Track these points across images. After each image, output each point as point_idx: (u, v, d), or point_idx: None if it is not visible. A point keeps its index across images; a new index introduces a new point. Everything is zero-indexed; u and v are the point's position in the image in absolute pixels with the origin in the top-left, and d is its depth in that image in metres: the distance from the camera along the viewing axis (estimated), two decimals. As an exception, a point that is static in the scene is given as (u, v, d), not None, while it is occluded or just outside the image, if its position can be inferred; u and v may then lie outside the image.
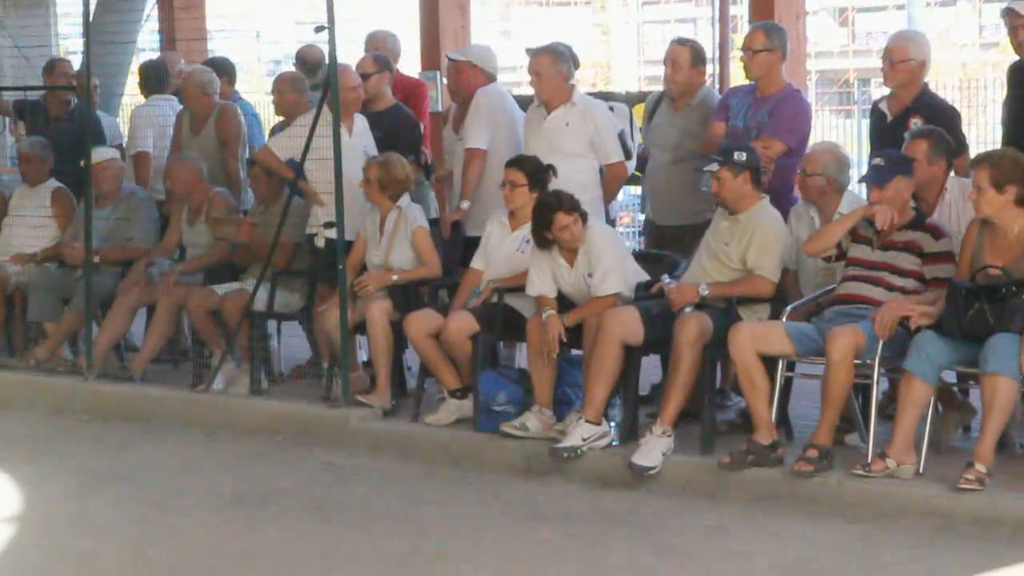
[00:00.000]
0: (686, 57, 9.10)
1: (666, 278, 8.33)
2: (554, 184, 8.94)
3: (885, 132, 8.51)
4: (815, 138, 9.17)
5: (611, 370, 8.08)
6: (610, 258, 8.43)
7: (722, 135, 8.73)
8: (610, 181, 9.41)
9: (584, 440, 8.08)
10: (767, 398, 7.72)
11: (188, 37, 12.88)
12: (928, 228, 7.73)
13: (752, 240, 8.14)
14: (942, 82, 18.21)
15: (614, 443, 8.21)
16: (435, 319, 8.85)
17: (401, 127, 9.98)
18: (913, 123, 8.30)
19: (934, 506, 7.14)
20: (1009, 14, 8.12)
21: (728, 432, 8.28)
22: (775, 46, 8.73)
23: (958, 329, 7.37)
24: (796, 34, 10.78)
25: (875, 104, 8.82)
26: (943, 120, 8.22)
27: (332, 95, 9.19)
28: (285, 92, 10.06)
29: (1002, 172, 7.35)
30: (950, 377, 7.79)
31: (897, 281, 7.72)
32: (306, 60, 11.18)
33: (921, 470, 7.41)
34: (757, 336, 7.74)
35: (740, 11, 12.17)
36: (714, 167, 8.15)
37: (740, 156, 8.11)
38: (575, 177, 9.14)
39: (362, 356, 9.75)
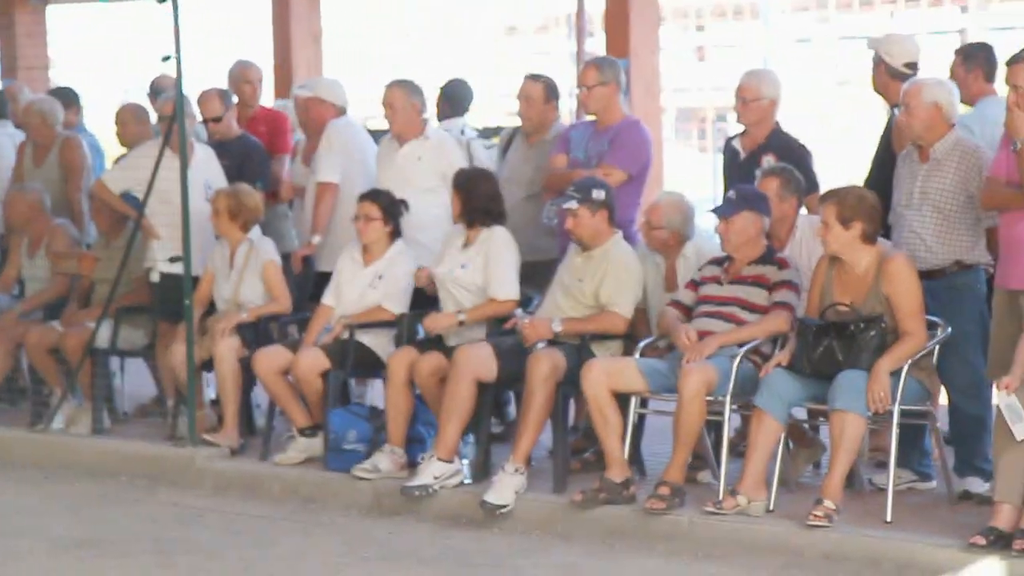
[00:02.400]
0: (539, 92, 9.11)
1: (519, 312, 8.27)
2: (407, 219, 8.87)
3: (738, 169, 8.56)
4: (671, 174, 9.21)
5: (464, 407, 8.00)
6: (507, 264, 8.39)
7: (563, 167, 8.74)
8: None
9: (436, 478, 7.97)
10: (619, 435, 7.69)
11: (30, 65, 12.61)
12: (776, 261, 7.78)
13: (606, 276, 8.12)
14: (797, 116, 18.51)
15: (466, 481, 8.11)
16: (284, 356, 8.71)
17: (248, 157, 9.84)
18: (765, 161, 8.36)
19: (784, 542, 7.15)
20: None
21: (582, 470, 8.23)
22: (608, 79, 8.76)
23: (807, 366, 7.40)
24: (651, 69, 10.87)
25: (728, 141, 8.87)
26: (794, 158, 8.29)
27: (179, 124, 9.02)
28: (128, 123, 9.89)
29: (848, 208, 7.40)
30: (801, 414, 7.82)
31: (747, 316, 7.74)
32: (158, 89, 10.99)
33: (772, 507, 7.41)
34: (610, 372, 7.72)
35: (599, 44, 12.20)
36: (573, 204, 8.11)
37: (599, 194, 8.10)
38: (429, 211, 9.10)
39: (209, 393, 9.58)
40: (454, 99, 10.23)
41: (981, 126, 8.00)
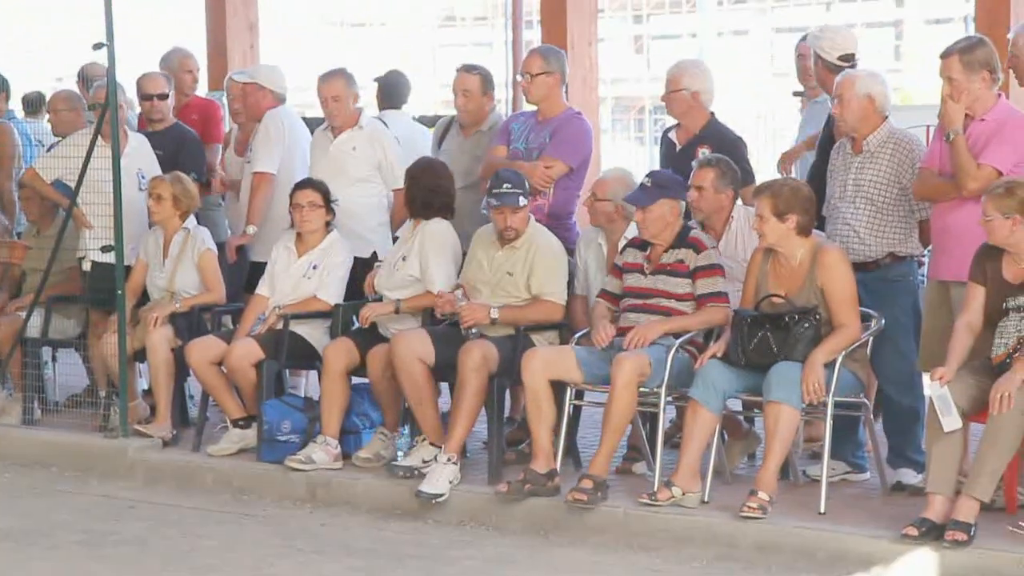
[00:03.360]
0: (477, 84, 9.08)
1: (459, 294, 8.22)
2: (342, 208, 8.82)
3: (674, 160, 8.56)
4: (609, 164, 9.19)
5: (428, 393, 8.01)
6: (442, 257, 8.37)
7: (503, 158, 8.70)
8: (398, 206, 9.30)
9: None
10: (551, 427, 7.68)
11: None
12: (690, 243, 7.75)
13: (535, 265, 8.09)
14: (735, 109, 18.54)
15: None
16: (218, 346, 8.65)
17: (182, 146, 9.74)
18: (700, 152, 8.36)
19: (718, 533, 7.15)
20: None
21: (518, 461, 8.21)
22: (553, 69, 8.73)
23: (742, 357, 7.41)
24: (589, 60, 10.87)
25: (665, 133, 8.88)
26: (729, 149, 8.29)
27: (111, 114, 8.92)
28: (60, 111, 9.77)
29: (783, 201, 7.41)
30: (737, 405, 7.82)
31: (674, 305, 7.74)
32: (88, 77, 10.86)
33: (706, 498, 7.41)
34: (549, 362, 7.70)
35: (535, 35, 12.17)
36: (523, 201, 8.08)
37: (502, 189, 8.06)
38: (362, 201, 9.08)
39: (142, 384, 9.50)
40: (391, 90, 10.18)
41: None
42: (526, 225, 8.13)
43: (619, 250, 8.03)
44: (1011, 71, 7.88)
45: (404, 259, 8.50)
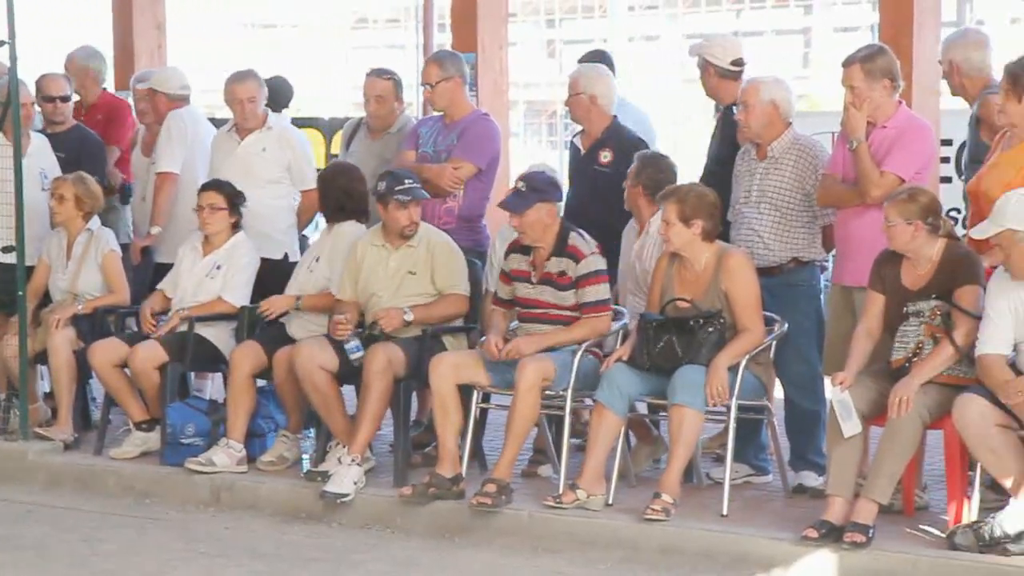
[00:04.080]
0: (390, 90, 9.08)
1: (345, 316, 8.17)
2: (251, 210, 8.77)
3: (579, 164, 8.63)
4: (520, 168, 9.16)
5: (334, 399, 8.00)
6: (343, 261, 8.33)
7: (411, 162, 8.69)
8: (307, 208, 9.30)
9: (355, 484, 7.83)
10: (458, 431, 7.68)
11: None
12: (568, 253, 7.74)
13: (436, 260, 8.09)
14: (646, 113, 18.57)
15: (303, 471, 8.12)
16: (121, 348, 8.58)
17: (84, 149, 9.65)
18: (602, 156, 8.40)
19: (621, 536, 7.18)
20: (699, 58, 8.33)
21: (424, 464, 8.20)
22: (452, 74, 8.73)
23: (648, 361, 7.45)
24: (500, 64, 10.86)
25: (572, 138, 8.91)
26: (629, 152, 8.33)
27: (13, 112, 8.82)
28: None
29: (689, 207, 7.45)
30: (643, 408, 7.86)
31: (565, 313, 7.75)
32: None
33: (611, 501, 7.44)
34: (457, 366, 7.71)
35: (447, 39, 12.16)
36: (423, 195, 8.11)
37: (407, 185, 8.07)
38: (272, 203, 9.04)
39: (43, 387, 9.39)
40: (273, 95, 10.13)
41: None
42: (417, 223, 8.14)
43: (503, 256, 8.01)
44: (911, 82, 8.01)
45: (317, 260, 8.47)
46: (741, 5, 22.76)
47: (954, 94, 8.07)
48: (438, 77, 8.71)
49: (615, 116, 8.54)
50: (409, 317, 8.00)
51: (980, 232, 6.70)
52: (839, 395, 6.84)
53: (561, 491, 7.43)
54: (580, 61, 9.48)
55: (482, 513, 7.46)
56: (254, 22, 22.52)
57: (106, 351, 8.56)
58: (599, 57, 9.58)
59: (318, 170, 9.29)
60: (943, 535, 6.72)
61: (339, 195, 8.39)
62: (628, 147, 8.38)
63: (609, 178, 8.35)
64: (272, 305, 8.40)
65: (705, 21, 22.17)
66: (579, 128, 8.85)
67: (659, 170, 7.96)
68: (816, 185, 7.62)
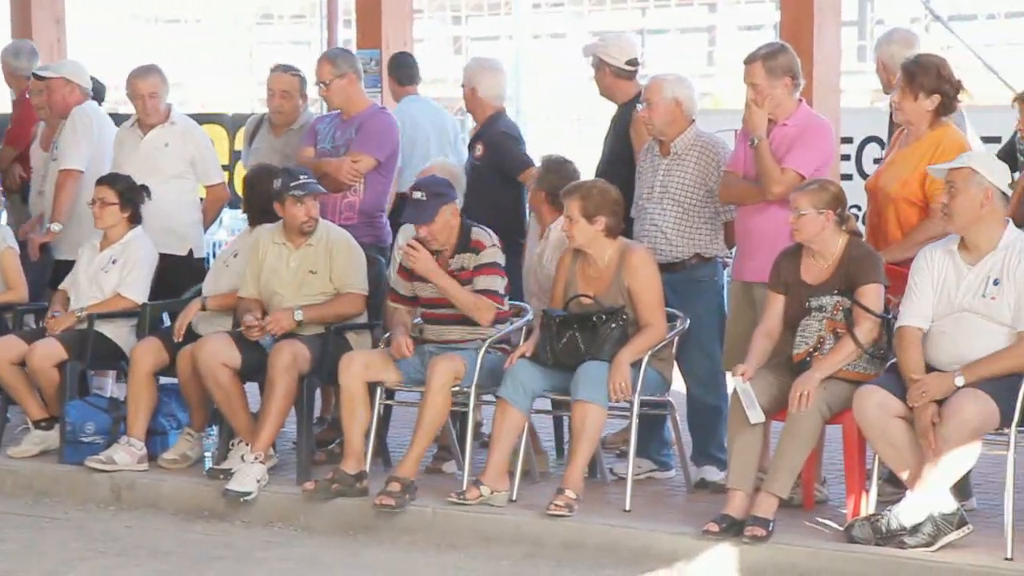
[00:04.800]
0: (296, 86, 9.07)
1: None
2: (155, 206, 8.70)
3: (470, 160, 8.72)
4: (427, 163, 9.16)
5: (237, 397, 7.96)
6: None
7: (311, 159, 8.66)
8: (212, 203, 9.29)
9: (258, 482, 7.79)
10: (364, 429, 7.67)
11: None
12: (471, 247, 7.74)
13: (335, 259, 8.07)
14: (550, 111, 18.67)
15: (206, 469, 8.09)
16: (19, 346, 8.48)
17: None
18: (477, 148, 8.55)
19: (525, 532, 7.20)
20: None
21: (328, 461, 8.17)
22: (345, 71, 8.71)
23: (551, 357, 7.46)
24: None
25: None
26: (497, 143, 8.47)
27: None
28: None
29: (592, 203, 7.48)
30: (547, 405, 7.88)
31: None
32: None
33: (514, 497, 7.45)
34: (368, 365, 7.70)
35: (353, 34, 12.12)
36: (319, 190, 8.08)
37: (302, 180, 8.04)
38: (177, 199, 9.00)
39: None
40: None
41: None
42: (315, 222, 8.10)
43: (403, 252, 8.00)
44: (812, 81, 8.11)
45: (235, 256, 8.44)
46: (646, 3, 22.87)
47: (886, 92, 8.18)
48: (331, 75, 8.69)
49: (500, 110, 8.55)
50: (299, 317, 7.97)
51: (940, 171, 6.72)
52: (741, 384, 6.90)
53: (465, 487, 7.43)
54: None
55: (386, 511, 7.43)
56: (157, 17, 22.32)
57: (4, 348, 8.46)
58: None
59: (225, 167, 9.24)
60: (841, 528, 6.79)
61: (265, 200, 8.34)
62: (496, 140, 8.41)
63: (480, 172, 8.42)
64: (182, 320, 8.30)
65: (611, 19, 22.23)
66: None
67: (561, 176, 7.97)
68: (718, 182, 7.68)
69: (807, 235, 6.99)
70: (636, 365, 7.35)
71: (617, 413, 7.58)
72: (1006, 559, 6.41)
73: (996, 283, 6.58)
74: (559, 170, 8.06)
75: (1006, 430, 6.51)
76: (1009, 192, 6.68)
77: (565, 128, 20.77)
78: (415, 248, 7.59)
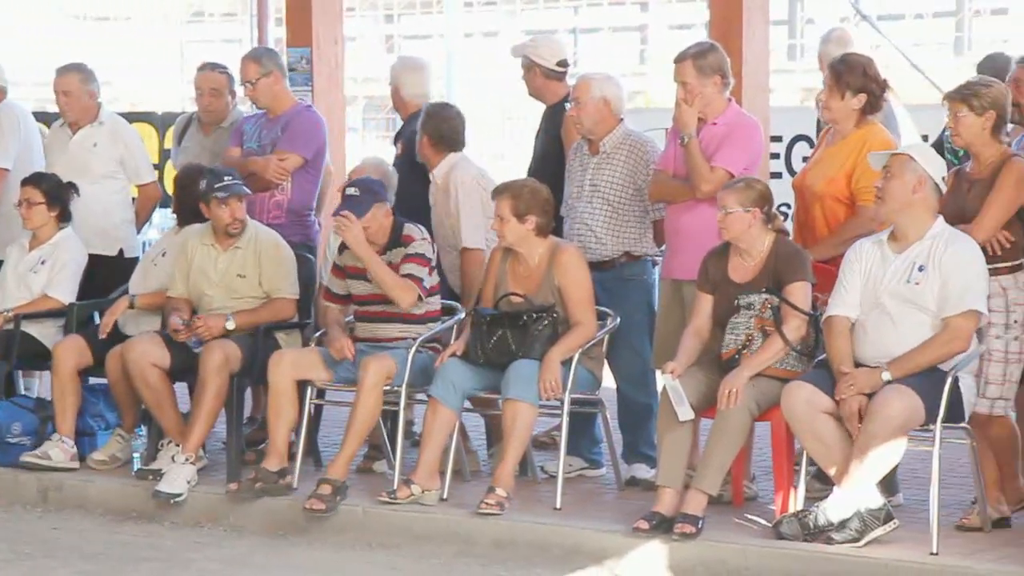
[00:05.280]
0: (225, 84, 9.05)
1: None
2: (86, 206, 8.62)
3: (396, 159, 8.72)
4: (358, 161, 9.15)
5: (166, 397, 7.91)
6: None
7: (237, 158, 8.63)
8: (143, 202, 9.25)
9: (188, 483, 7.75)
10: (290, 427, 7.66)
11: None
12: (402, 242, 7.73)
13: (263, 263, 8.04)
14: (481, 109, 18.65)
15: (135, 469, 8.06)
16: (-56, 347, 8.38)
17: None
18: (397, 148, 8.55)
19: (456, 531, 7.20)
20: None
21: (257, 461, 8.11)
22: (269, 69, 8.69)
23: (482, 355, 7.47)
24: (335, 59, 10.79)
25: None
26: (409, 141, 8.41)
27: None
28: None
29: (523, 203, 7.49)
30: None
31: (402, 311, 7.74)
32: None
33: (446, 496, 7.45)
34: (297, 363, 7.67)
35: (283, 32, 12.06)
36: (244, 191, 8.05)
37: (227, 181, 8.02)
38: (107, 198, 8.95)
39: None
40: None
41: None
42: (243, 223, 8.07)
43: (337, 251, 7.98)
44: (741, 80, 8.16)
45: (164, 255, 8.40)
46: (578, 2, 22.87)
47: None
48: (257, 74, 8.67)
49: (422, 109, 8.55)
50: (231, 325, 7.95)
51: (879, 159, 6.78)
52: (671, 382, 6.93)
53: (396, 487, 7.43)
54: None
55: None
56: (86, 15, 22.13)
57: (-77, 352, 8.38)
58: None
59: (156, 166, 9.19)
60: (770, 525, 6.84)
61: (195, 200, 8.28)
62: (415, 138, 8.41)
63: (399, 169, 8.42)
64: (109, 317, 8.25)
65: (543, 17, 22.25)
66: None
67: (443, 119, 8.10)
68: (647, 180, 7.71)
69: (734, 233, 7.03)
70: (567, 363, 7.37)
71: (548, 411, 7.59)
72: (931, 554, 6.48)
73: (921, 269, 6.65)
74: (440, 113, 8.20)
75: (931, 426, 6.57)
76: (943, 185, 6.75)
77: (497, 126, 20.78)
78: (348, 218, 7.57)
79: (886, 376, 6.57)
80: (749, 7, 8.97)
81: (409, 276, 7.64)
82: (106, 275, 8.70)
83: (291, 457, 7.75)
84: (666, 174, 7.57)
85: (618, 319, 7.64)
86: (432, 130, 8.14)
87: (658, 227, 7.86)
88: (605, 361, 7.77)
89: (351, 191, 7.70)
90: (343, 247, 7.87)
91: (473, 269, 8.06)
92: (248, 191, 8.11)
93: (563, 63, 8.41)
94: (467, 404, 7.64)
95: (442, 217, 8.08)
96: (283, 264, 8.08)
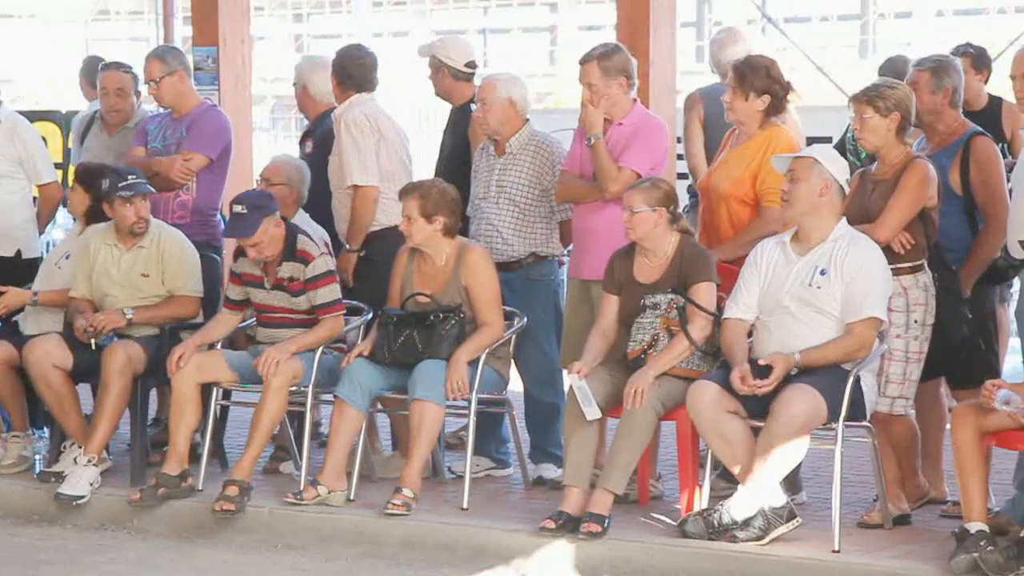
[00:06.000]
0: (130, 83, 8.98)
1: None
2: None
3: (304, 158, 8.64)
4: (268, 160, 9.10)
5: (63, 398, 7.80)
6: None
7: (141, 158, 8.57)
8: (45, 202, 9.12)
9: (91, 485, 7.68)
10: (191, 430, 7.63)
11: None
12: (298, 257, 7.68)
13: (166, 262, 7.99)
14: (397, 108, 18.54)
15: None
16: None
17: None
18: (307, 146, 8.51)
19: (362, 531, 7.19)
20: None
21: (161, 462, 8.05)
22: (174, 68, 8.63)
23: (388, 356, 7.46)
24: (242, 58, 10.73)
25: None
26: (326, 143, 8.33)
27: None
28: None
29: (431, 203, 7.49)
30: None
31: (303, 316, 7.71)
32: None
33: (352, 496, 7.43)
34: (201, 365, 7.63)
35: (190, 32, 11.97)
36: (148, 189, 7.99)
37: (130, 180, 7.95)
38: (3, 198, 8.81)
39: None
40: None
41: None
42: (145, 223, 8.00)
43: (233, 257, 7.93)
44: (648, 81, 8.22)
45: (67, 258, 8.31)
46: (488, 3, 22.92)
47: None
48: (161, 72, 8.60)
49: (331, 107, 8.52)
50: (130, 314, 7.88)
51: (783, 161, 6.82)
52: (577, 381, 6.96)
53: (302, 487, 7.40)
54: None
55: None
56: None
57: None
58: None
59: (57, 165, 9.08)
60: (675, 524, 6.88)
61: (98, 201, 8.19)
62: (325, 137, 8.39)
63: (310, 167, 8.39)
64: (5, 300, 8.17)
65: (453, 17, 22.28)
66: None
67: (350, 59, 8.17)
68: (554, 180, 7.74)
69: (641, 233, 7.07)
70: (474, 363, 7.38)
71: (455, 411, 7.59)
72: (833, 551, 6.55)
73: (823, 273, 6.72)
74: (349, 53, 8.24)
75: (833, 425, 6.64)
76: (846, 187, 6.83)
77: (406, 126, 20.71)
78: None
79: (797, 356, 6.61)
80: (656, 9, 9.03)
81: (327, 304, 7.61)
82: (4, 276, 8.58)
83: (196, 459, 7.71)
84: (572, 175, 7.59)
85: (525, 319, 7.65)
86: (338, 68, 8.14)
87: (565, 227, 7.89)
88: (512, 361, 7.79)
89: (238, 209, 7.61)
90: (239, 254, 7.82)
91: (360, 205, 7.99)
92: (152, 190, 8.05)
93: (471, 64, 8.41)
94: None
95: (332, 158, 8.04)
96: (186, 262, 8.02)
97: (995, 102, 8.34)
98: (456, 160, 8.29)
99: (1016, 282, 7.69)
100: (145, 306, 7.95)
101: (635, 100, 7.60)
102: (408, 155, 8.23)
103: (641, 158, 7.43)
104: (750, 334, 6.89)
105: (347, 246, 8.05)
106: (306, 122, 9.02)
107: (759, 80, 7.25)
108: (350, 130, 8.03)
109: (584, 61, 7.50)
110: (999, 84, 8.82)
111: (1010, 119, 8.29)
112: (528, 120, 7.86)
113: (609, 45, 7.66)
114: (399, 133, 8.22)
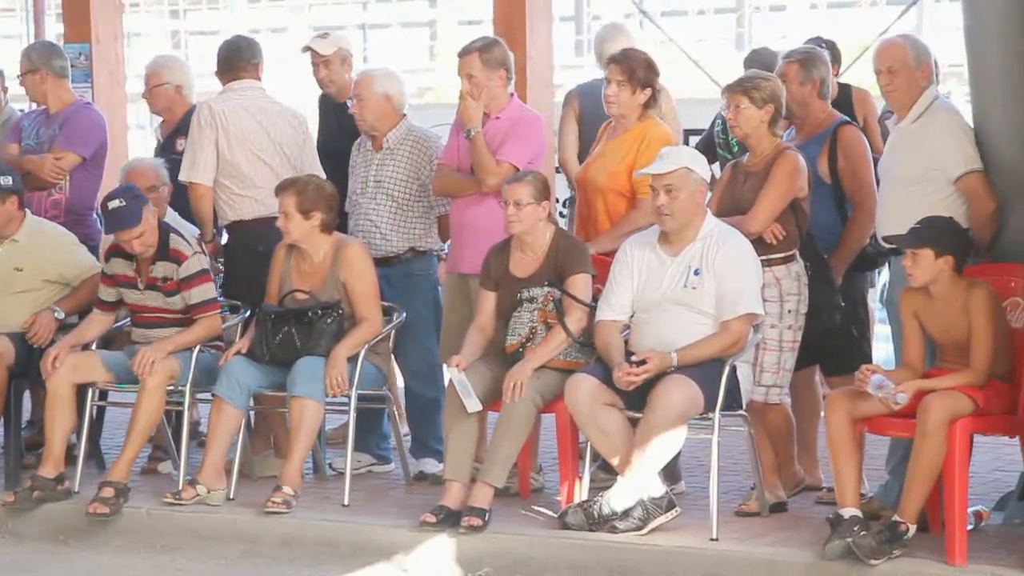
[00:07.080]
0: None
1: None
2: None
3: (160, 153, 8.59)
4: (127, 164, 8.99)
5: None
6: None
7: (14, 156, 8.45)
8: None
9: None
10: (67, 431, 7.53)
11: None
12: (171, 256, 7.61)
13: (47, 253, 7.89)
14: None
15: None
16: None
17: None
18: (179, 144, 8.35)
19: (242, 530, 7.15)
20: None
21: (36, 465, 7.94)
22: (36, 66, 8.53)
23: (267, 353, 7.42)
24: (115, 55, 10.63)
25: (156, 128, 8.90)
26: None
27: None
28: None
29: (308, 199, 7.45)
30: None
31: (179, 316, 7.64)
32: None
33: (232, 495, 7.38)
34: (76, 366, 7.55)
35: (62, 29, 11.81)
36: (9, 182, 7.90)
37: (6, 180, 7.85)
38: None
39: None
40: None
41: None
42: (6, 220, 7.88)
43: (104, 258, 7.84)
44: (526, 76, 8.23)
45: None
46: (368, -2, 22.95)
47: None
48: (23, 69, 8.55)
49: (195, 105, 8.45)
50: (60, 315, 7.80)
51: (655, 168, 6.81)
52: (456, 374, 6.96)
53: (181, 487, 7.34)
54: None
55: (98, 514, 7.30)
56: None
57: None
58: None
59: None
60: (556, 516, 6.90)
61: None
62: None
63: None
64: None
65: (332, 13, 22.23)
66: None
67: (227, 46, 8.12)
68: (431, 175, 7.74)
69: (526, 226, 7.08)
70: (353, 359, 7.36)
71: (335, 408, 7.56)
72: (711, 539, 6.61)
73: (697, 273, 6.79)
74: (229, 40, 8.19)
75: (710, 414, 6.71)
76: (708, 181, 6.90)
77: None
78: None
79: (674, 356, 6.67)
80: (532, 3, 9.07)
81: (203, 303, 7.57)
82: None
83: (72, 461, 7.62)
84: (450, 167, 7.60)
85: (404, 314, 7.65)
86: (218, 58, 8.10)
87: (443, 222, 7.89)
88: (392, 356, 7.78)
89: (115, 204, 7.49)
90: (110, 255, 7.73)
91: (191, 200, 7.99)
92: (15, 188, 7.88)
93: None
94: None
95: None
96: (73, 245, 7.97)
97: (844, 90, 8.45)
98: (333, 155, 8.23)
99: (884, 269, 7.82)
100: (65, 298, 7.88)
101: (512, 94, 7.62)
102: (285, 150, 8.09)
103: (519, 152, 7.45)
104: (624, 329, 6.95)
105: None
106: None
107: (644, 73, 7.31)
108: (192, 125, 7.99)
109: (464, 53, 7.50)
110: (861, 78, 9.01)
111: (861, 105, 8.44)
112: (405, 115, 7.85)
113: (489, 38, 7.68)
114: (269, 127, 8.03)
